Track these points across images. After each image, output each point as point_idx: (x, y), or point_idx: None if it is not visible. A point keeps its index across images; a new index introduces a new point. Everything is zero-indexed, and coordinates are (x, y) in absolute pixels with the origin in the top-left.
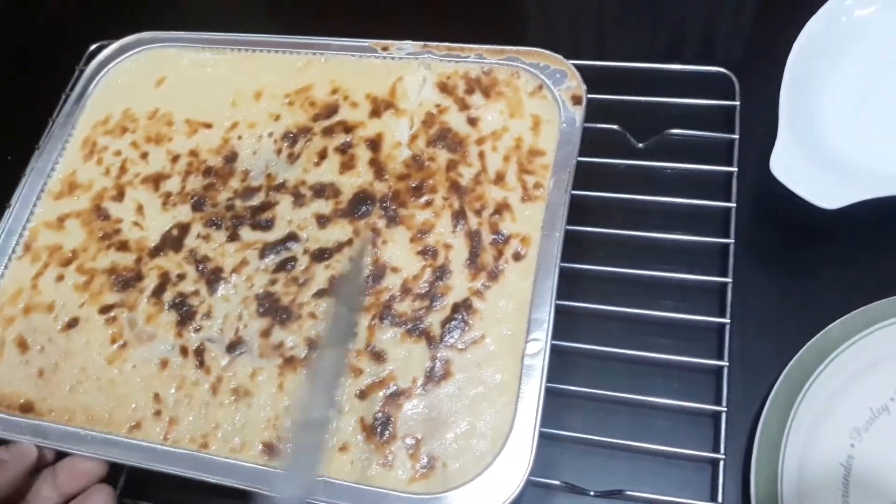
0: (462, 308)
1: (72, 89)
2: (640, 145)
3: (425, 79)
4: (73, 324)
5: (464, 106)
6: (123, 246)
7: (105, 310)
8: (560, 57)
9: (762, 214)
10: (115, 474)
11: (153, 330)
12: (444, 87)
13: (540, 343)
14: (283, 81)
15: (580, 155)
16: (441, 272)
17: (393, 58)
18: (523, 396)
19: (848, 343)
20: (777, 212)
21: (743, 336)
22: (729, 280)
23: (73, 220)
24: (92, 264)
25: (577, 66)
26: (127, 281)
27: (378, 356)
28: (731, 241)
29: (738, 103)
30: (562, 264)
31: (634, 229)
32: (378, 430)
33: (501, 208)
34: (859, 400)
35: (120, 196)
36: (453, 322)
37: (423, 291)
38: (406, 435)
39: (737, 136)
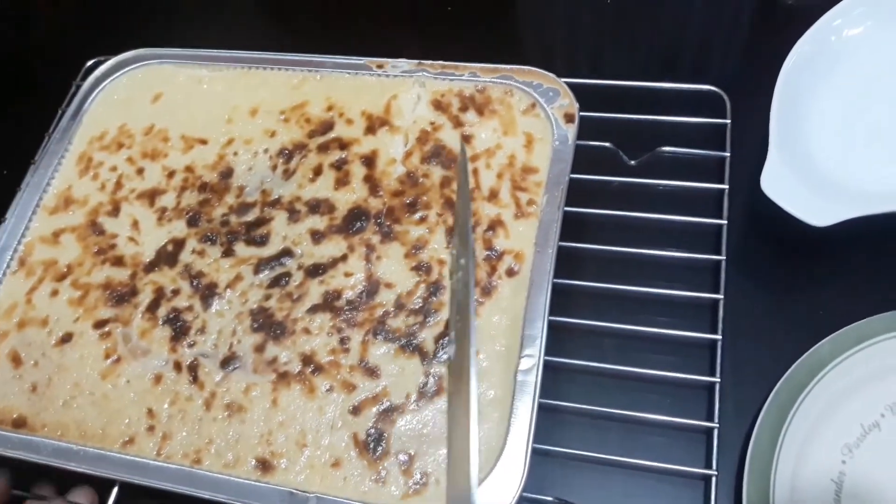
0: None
1: (68, 104)
2: (633, 162)
3: (420, 96)
4: (67, 339)
5: (458, 123)
6: (118, 261)
7: (99, 324)
8: (553, 76)
9: (753, 231)
10: (107, 488)
11: (147, 345)
12: (439, 105)
13: (533, 359)
14: (278, 98)
15: (573, 172)
16: (435, 288)
17: (388, 75)
18: (516, 413)
19: (838, 360)
20: (768, 229)
21: (734, 352)
22: (721, 297)
23: (68, 235)
24: (87, 279)
25: (570, 84)
26: (121, 296)
27: (371, 372)
28: (723, 257)
29: (729, 121)
30: (555, 280)
31: (627, 246)
32: (371, 445)
33: (495, 224)
34: (850, 416)
35: (115, 211)
36: (447, 338)
37: (417, 307)
38: (399, 451)
39: (728, 154)
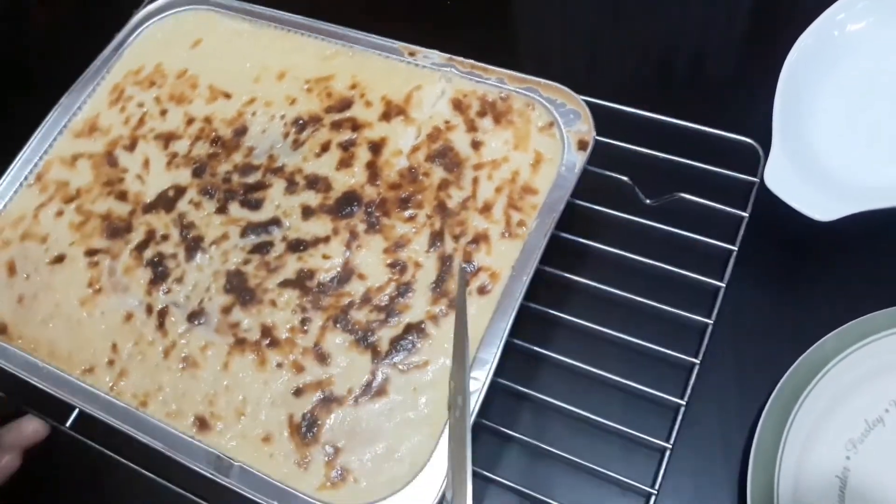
0: (415, 330)
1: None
2: (648, 201)
3: (444, 92)
4: (59, 259)
5: (472, 127)
6: (122, 196)
7: (91, 253)
8: (578, 98)
9: (756, 226)
10: (67, 410)
11: (127, 282)
12: (459, 105)
13: (478, 382)
14: (308, 66)
15: (585, 200)
16: (405, 289)
17: (417, 65)
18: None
19: (842, 355)
20: (771, 224)
21: (737, 347)
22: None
23: (84, 161)
24: (90, 207)
25: (594, 106)
26: (117, 230)
27: (323, 358)
28: (711, 321)
29: (758, 181)
30: (543, 308)
31: (623, 289)
32: (303, 430)
33: (480, 239)
34: (854, 412)
35: (132, 147)
36: (403, 342)
37: (383, 304)
38: (328, 442)
39: (747, 216)
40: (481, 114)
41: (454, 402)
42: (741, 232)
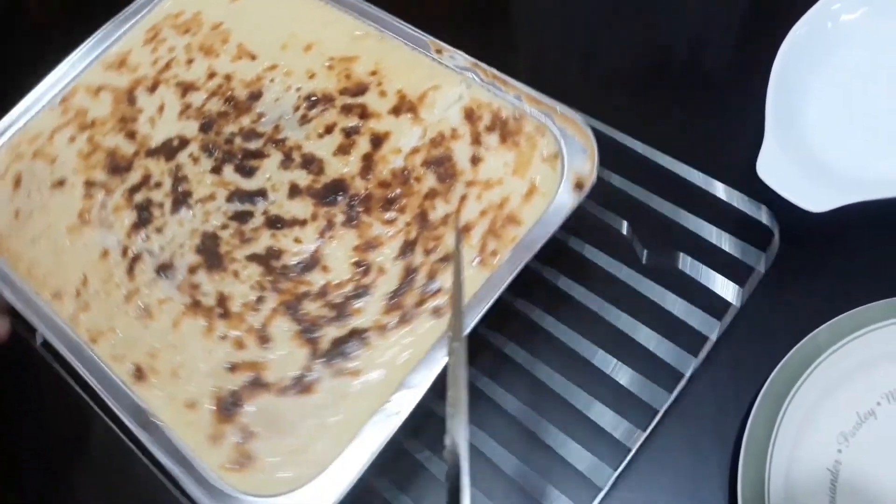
0: (358, 336)
1: None
2: (645, 260)
3: (460, 97)
4: (61, 183)
5: (476, 141)
6: (131, 135)
7: (89, 184)
8: (590, 133)
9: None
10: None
11: (113, 220)
12: (470, 115)
13: (397, 405)
14: (336, 43)
15: (581, 237)
16: (362, 292)
17: (441, 63)
18: (359, 445)
19: (835, 347)
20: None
21: (729, 340)
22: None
23: (107, 94)
24: (100, 139)
25: (606, 138)
26: (118, 167)
27: (264, 340)
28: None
29: (762, 271)
30: (504, 340)
31: (597, 343)
32: (226, 406)
33: (445, 260)
34: (846, 405)
35: (153, 89)
36: (344, 346)
37: (336, 302)
38: (244, 425)
39: (738, 306)
40: (490, 128)
41: (451, 349)
42: (727, 318)
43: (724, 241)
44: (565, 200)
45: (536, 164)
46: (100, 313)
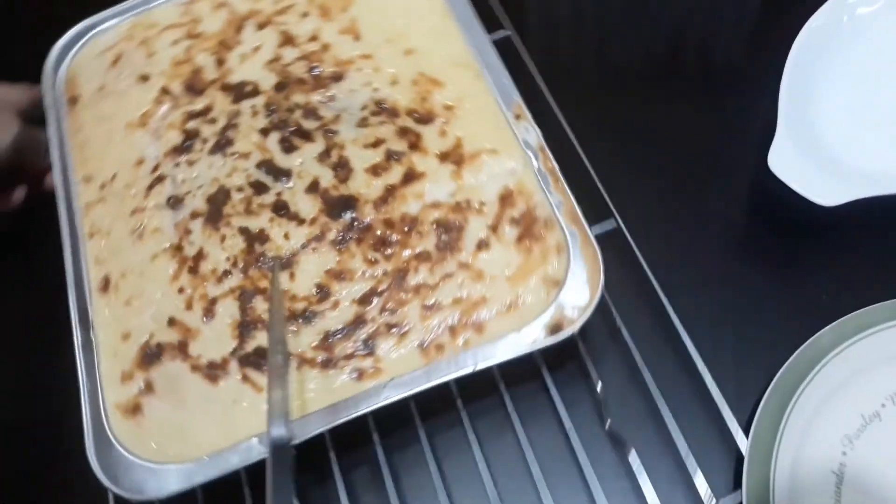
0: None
1: None
2: (607, 426)
3: (511, 173)
4: (146, 79)
5: (495, 226)
6: (220, 63)
7: (164, 91)
8: (601, 281)
9: (758, 211)
10: None
11: (163, 134)
12: (507, 196)
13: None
14: (435, 59)
15: (549, 369)
16: (308, 316)
17: (512, 129)
18: (222, 458)
19: (839, 349)
20: (773, 209)
21: (736, 338)
22: None
23: (225, 13)
24: (196, 54)
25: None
26: (193, 87)
27: (209, 313)
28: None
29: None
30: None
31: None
32: (149, 353)
33: (399, 330)
34: (851, 407)
35: (261, 27)
36: (263, 359)
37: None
38: (152, 379)
39: None
40: (514, 222)
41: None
42: None
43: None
44: (534, 338)
45: (534, 282)
46: (107, 213)
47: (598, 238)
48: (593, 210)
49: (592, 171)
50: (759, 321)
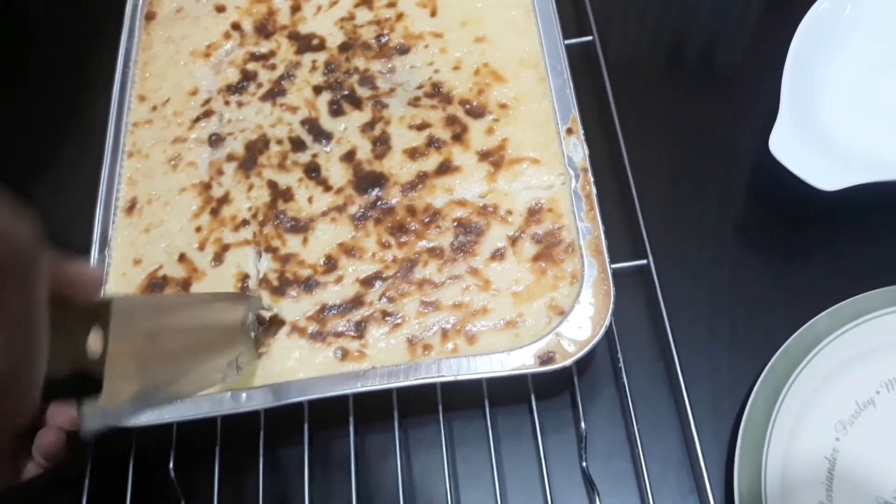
0: (274, 321)
1: None
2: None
3: (550, 187)
4: (222, 10)
5: (516, 238)
6: (295, 10)
7: (235, 27)
8: (608, 318)
9: (758, 195)
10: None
11: (223, 70)
12: (536, 211)
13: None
14: (503, 53)
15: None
16: (311, 284)
17: (560, 143)
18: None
19: (834, 335)
20: (773, 193)
21: (731, 322)
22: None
23: None
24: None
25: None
26: (263, 29)
27: (218, 258)
28: None
29: None
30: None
31: None
32: (154, 283)
33: (389, 317)
34: (845, 393)
35: None
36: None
37: (287, 277)
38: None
39: None
40: (537, 239)
41: None
42: None
43: None
44: (524, 364)
45: (539, 306)
46: (151, 136)
47: (623, 273)
48: (627, 244)
49: (637, 201)
50: (755, 305)
